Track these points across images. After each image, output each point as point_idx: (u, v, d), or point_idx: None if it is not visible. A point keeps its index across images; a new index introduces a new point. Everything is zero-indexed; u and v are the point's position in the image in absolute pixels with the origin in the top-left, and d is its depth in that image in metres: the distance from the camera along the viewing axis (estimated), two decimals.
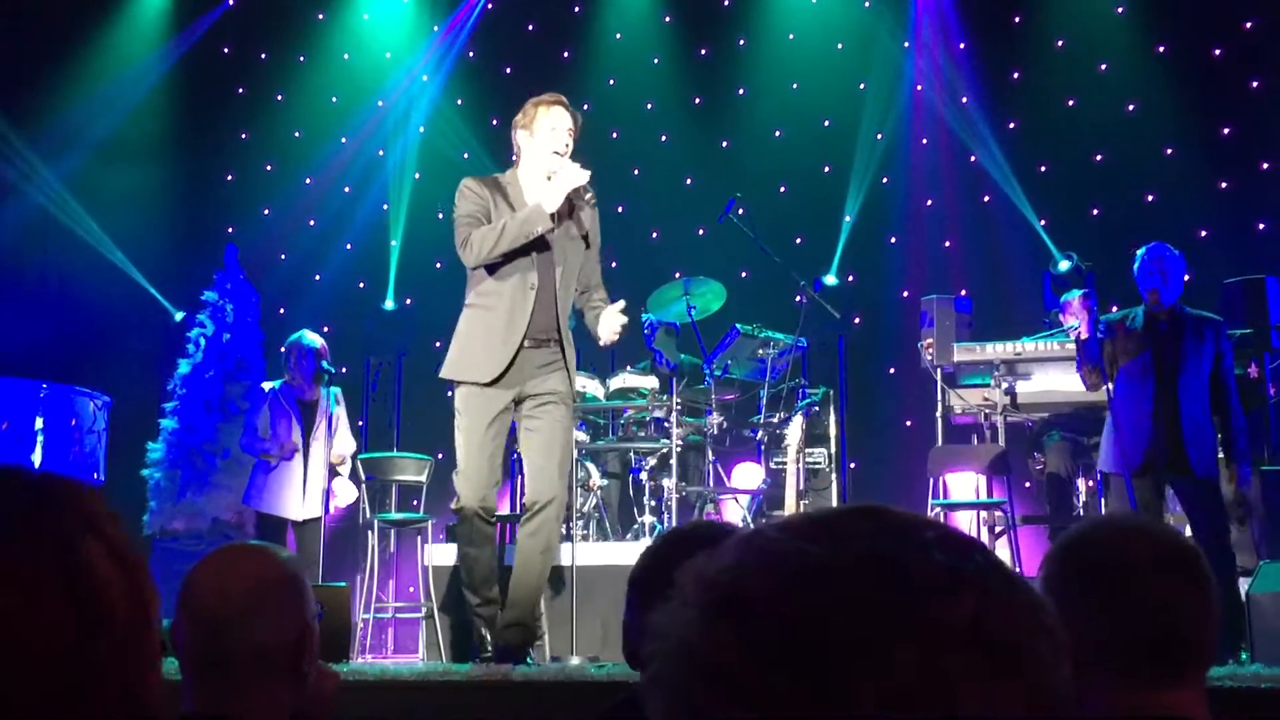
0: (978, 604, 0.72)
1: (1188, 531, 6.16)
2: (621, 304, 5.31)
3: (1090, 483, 8.00)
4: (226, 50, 11.56)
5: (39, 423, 6.37)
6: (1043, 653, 0.73)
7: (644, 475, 7.80)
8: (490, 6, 11.47)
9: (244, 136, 11.55)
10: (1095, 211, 10.09)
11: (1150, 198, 9.93)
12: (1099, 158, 10.19)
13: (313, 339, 7.77)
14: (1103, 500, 7.87)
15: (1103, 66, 10.28)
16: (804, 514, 0.80)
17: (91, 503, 1.05)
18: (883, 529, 0.76)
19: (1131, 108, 10.15)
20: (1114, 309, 6.52)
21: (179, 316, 10.97)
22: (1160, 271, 6.05)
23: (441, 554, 7.36)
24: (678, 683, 0.73)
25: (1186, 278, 6.20)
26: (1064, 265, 8.88)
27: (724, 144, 11.02)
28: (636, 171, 11.16)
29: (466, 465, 5.22)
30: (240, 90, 11.60)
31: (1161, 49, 10.13)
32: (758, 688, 0.69)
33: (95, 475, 6.76)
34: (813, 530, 0.76)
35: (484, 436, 5.16)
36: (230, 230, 11.14)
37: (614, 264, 10.73)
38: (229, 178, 11.58)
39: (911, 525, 0.76)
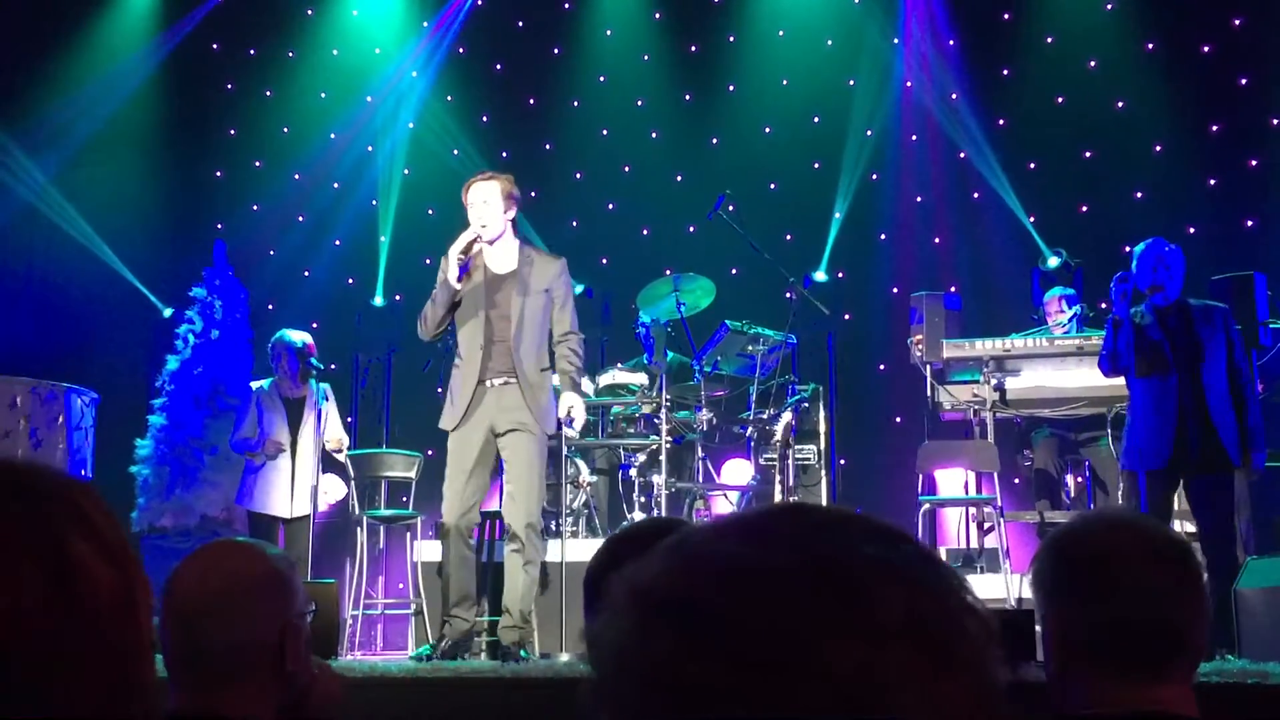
0: (910, 596, 0.71)
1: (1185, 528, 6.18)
2: (569, 404, 6.03)
3: (1079, 479, 8.02)
4: (215, 46, 11.53)
5: (25, 421, 6.35)
6: (978, 643, 0.73)
7: (633, 472, 7.80)
8: (480, 3, 11.46)
9: (232, 133, 11.52)
10: (1084, 208, 10.12)
11: (1139, 195, 9.95)
12: (1088, 155, 10.21)
13: (295, 336, 7.75)
14: (1091, 496, 7.90)
15: (1092, 64, 10.31)
16: (730, 515, 0.80)
17: (82, 498, 1.05)
18: (810, 526, 0.76)
19: (1121, 105, 10.18)
20: (1103, 306, 6.52)
21: (167, 313, 10.94)
22: (1164, 266, 6.05)
23: (431, 550, 7.35)
24: (617, 690, 0.73)
25: None
26: (1053, 262, 8.90)
27: (714, 141, 11.02)
28: (626, 168, 11.17)
29: (448, 488, 5.96)
30: (229, 86, 11.57)
31: (1151, 46, 10.16)
32: (695, 692, 0.69)
33: (83, 472, 6.74)
34: (741, 532, 0.76)
35: (462, 466, 5.92)
36: (219, 226, 11.12)
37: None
38: (218, 174, 11.56)
39: (838, 521, 0.77)
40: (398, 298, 11.15)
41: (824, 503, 6.90)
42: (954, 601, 0.73)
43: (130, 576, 1.04)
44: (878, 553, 0.73)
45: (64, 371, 7.07)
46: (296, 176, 11.41)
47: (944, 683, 0.70)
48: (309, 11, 11.54)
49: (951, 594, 0.74)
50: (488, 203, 5.97)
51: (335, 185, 11.35)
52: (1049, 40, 10.43)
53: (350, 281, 11.32)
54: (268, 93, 11.51)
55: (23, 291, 10.65)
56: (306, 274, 11.20)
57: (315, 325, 9.97)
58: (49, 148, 10.49)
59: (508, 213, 6.03)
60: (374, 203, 11.35)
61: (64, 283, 10.79)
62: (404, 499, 8.49)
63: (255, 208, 11.43)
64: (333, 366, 9.19)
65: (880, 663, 0.69)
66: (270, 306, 10.91)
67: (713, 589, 0.71)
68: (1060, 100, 10.31)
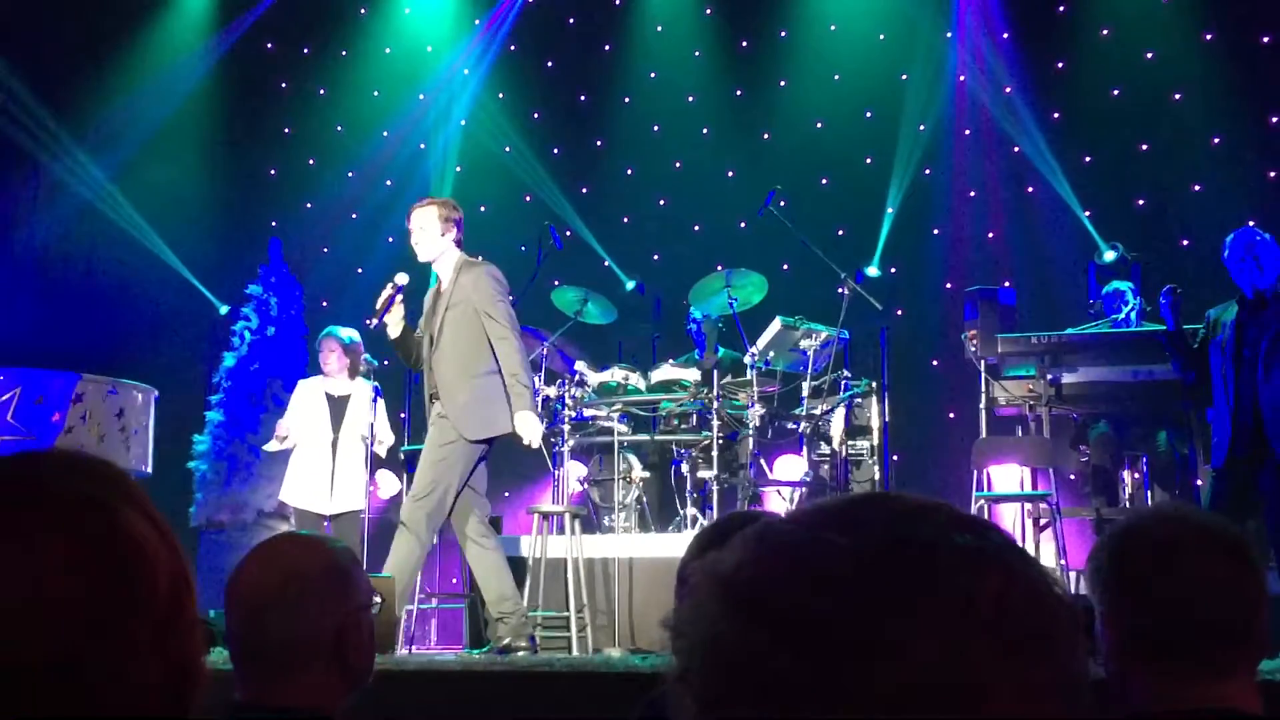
0: (1001, 584, 0.70)
1: None
2: (519, 425, 6.07)
3: (1136, 475, 7.93)
4: (270, 46, 11.63)
5: (87, 416, 6.44)
6: (1068, 634, 0.72)
7: (685, 467, 7.80)
8: (531, 0, 11.49)
9: (287, 131, 11.62)
10: (1140, 202, 10.00)
11: (1197, 188, 9.82)
12: (1145, 147, 10.08)
13: (344, 333, 7.80)
14: (1149, 492, 7.82)
15: (1148, 55, 10.18)
16: (812, 505, 0.78)
17: (130, 480, 1.06)
18: (896, 514, 0.74)
19: (1178, 97, 10.04)
20: (1163, 303, 6.44)
21: (224, 310, 11.06)
22: (1254, 257, 5.96)
23: None
24: (705, 680, 0.72)
25: None
26: (1109, 256, 8.80)
27: (765, 136, 10.99)
28: (678, 165, 11.16)
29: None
30: (283, 85, 11.67)
31: (1209, 37, 10.02)
32: (786, 680, 0.68)
33: (143, 467, 6.83)
34: (824, 520, 0.75)
35: None
36: (274, 224, 11.22)
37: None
38: (272, 172, 11.66)
39: (924, 509, 0.75)
40: None
41: None
42: (1044, 591, 0.72)
43: (180, 556, 1.05)
44: (966, 541, 0.72)
45: (125, 368, 7.17)
46: (350, 174, 11.50)
47: (1035, 672, 0.69)
48: (362, 10, 11.62)
49: (1041, 584, 0.73)
50: (423, 229, 6.22)
51: (388, 183, 11.42)
52: (1104, 32, 10.31)
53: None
54: (321, 91, 11.60)
55: (84, 289, 10.80)
56: (360, 271, 11.28)
57: (369, 322, 10.04)
58: (109, 148, 10.63)
59: (445, 235, 6.22)
60: None
61: (124, 281, 10.93)
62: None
63: (309, 205, 11.53)
64: (385, 363, 9.25)
65: (972, 651, 0.68)
66: (324, 304, 11.00)
67: (798, 576, 0.71)
68: (1116, 93, 10.19)
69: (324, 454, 7.53)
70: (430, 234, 6.20)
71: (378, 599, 2.19)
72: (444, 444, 5.98)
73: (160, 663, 1.00)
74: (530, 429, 6.06)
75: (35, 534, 0.97)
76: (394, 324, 6.19)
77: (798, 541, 0.73)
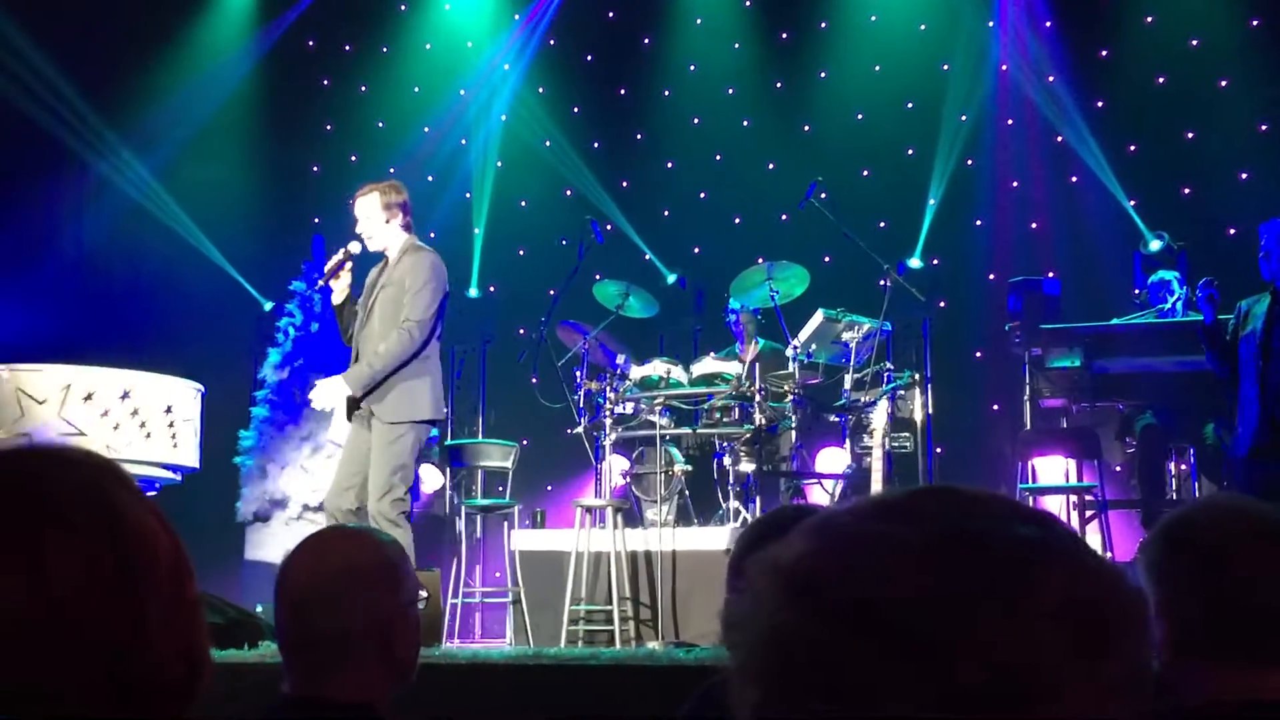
0: (1068, 575, 0.70)
1: None
2: (316, 401, 6.10)
3: (1183, 466, 7.86)
4: (311, 43, 11.70)
5: (135, 412, 6.51)
6: (1134, 626, 0.71)
7: (727, 460, 7.79)
8: None
9: (329, 127, 11.69)
10: (1186, 191, 9.89)
11: (1244, 175, 9.70)
12: (1190, 136, 9.98)
13: None
14: (1196, 483, 7.74)
15: (1194, 42, 10.06)
16: (869, 497, 0.77)
17: (117, 466, 1.08)
18: (958, 506, 0.73)
19: (1224, 84, 9.93)
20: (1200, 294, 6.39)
21: (268, 306, 11.14)
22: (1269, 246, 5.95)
23: (528, 539, 7.43)
24: (770, 672, 0.71)
25: None
26: (1155, 245, 8.72)
27: (806, 128, 10.95)
28: (718, 157, 11.14)
29: None
30: (325, 82, 11.74)
31: (1255, 23, 9.89)
32: (855, 672, 0.67)
33: (191, 463, 6.89)
34: (886, 512, 0.74)
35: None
36: (316, 221, 11.28)
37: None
38: (315, 169, 11.73)
39: (986, 501, 0.74)
40: (492, 289, 11.24)
41: None
42: (1110, 583, 0.71)
43: (177, 538, 1.07)
44: (1032, 533, 0.71)
45: (171, 364, 7.23)
46: (391, 170, 11.50)
47: (1102, 664, 0.68)
48: (402, 7, 11.67)
49: (1106, 575, 0.72)
50: (368, 217, 6.15)
51: (429, 178, 11.46)
52: (1148, 19, 10.20)
53: None
54: (363, 88, 11.66)
55: (131, 287, 10.91)
56: None
57: (318, 284, 10.07)
58: (153, 146, 10.72)
59: (389, 222, 6.15)
60: (467, 195, 11.45)
61: (169, 277, 11.03)
62: (500, 488, 8.57)
63: (351, 202, 11.57)
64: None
65: (1040, 642, 0.67)
66: None
67: (863, 567, 0.70)
68: (1161, 80, 10.08)
69: None
70: (374, 221, 6.13)
71: (424, 593, 2.20)
72: (384, 444, 5.91)
73: (171, 637, 1.02)
74: (326, 394, 5.98)
75: (44, 527, 0.98)
76: (338, 290, 6.16)
77: (860, 533, 0.72)
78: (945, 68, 10.54)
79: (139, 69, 10.77)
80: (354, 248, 6.17)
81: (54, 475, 1.02)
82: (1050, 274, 8.99)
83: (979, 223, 10.46)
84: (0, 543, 0.96)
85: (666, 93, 11.38)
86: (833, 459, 8.17)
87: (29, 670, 0.95)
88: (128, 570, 1.00)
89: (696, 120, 11.23)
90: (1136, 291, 8.33)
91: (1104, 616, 0.70)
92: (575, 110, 11.50)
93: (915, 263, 10.11)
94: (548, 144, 11.17)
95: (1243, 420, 6.01)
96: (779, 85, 11.10)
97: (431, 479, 8.16)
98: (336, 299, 6.21)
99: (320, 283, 6.24)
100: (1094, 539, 7.37)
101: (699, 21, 11.36)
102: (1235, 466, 6.04)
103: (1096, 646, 0.69)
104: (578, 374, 7.66)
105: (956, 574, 0.68)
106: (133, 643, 0.99)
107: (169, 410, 6.63)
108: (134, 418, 6.42)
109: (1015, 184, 10.46)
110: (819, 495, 7.97)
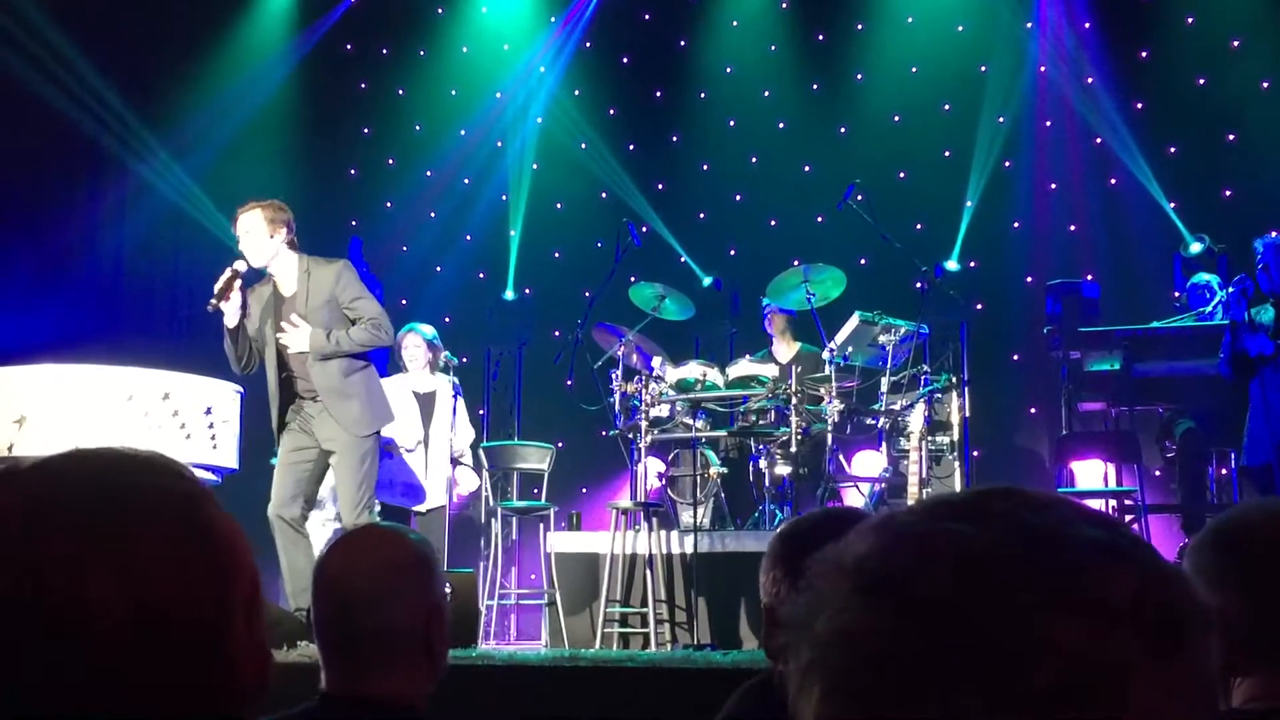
0: (1137, 577, 0.69)
1: None
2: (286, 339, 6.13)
3: (1224, 470, 7.78)
4: (349, 47, 11.76)
5: (176, 414, 6.55)
6: (1203, 630, 0.70)
7: (763, 463, 7.78)
8: None
9: (366, 131, 11.75)
10: (1228, 193, 9.80)
11: None
12: (1231, 137, 9.89)
13: (425, 329, 7.87)
14: (1238, 488, 7.67)
15: (1235, 43, 9.97)
16: (932, 498, 0.76)
17: (193, 473, 1.09)
18: (1024, 507, 0.72)
19: (1266, 85, 9.83)
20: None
21: None
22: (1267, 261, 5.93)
23: (564, 541, 7.44)
24: (839, 672, 0.69)
25: None
26: (1195, 248, 8.66)
27: (842, 130, 10.92)
28: (754, 159, 11.12)
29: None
30: (362, 86, 11.80)
31: None
32: (925, 671, 0.67)
33: (231, 464, 6.94)
34: (952, 511, 0.73)
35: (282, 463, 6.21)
36: (354, 224, 11.34)
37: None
38: (352, 172, 11.80)
39: (1051, 503, 0.73)
40: (528, 292, 11.27)
41: None
42: (1180, 586, 0.71)
43: (249, 544, 1.08)
44: (1099, 535, 0.70)
45: (211, 366, 7.27)
46: (428, 173, 11.60)
47: (1171, 667, 0.68)
48: (439, 10, 11.71)
49: (1177, 580, 0.71)
50: (250, 233, 6.13)
51: (466, 181, 11.50)
52: (1189, 20, 10.12)
53: (481, 276, 11.47)
54: (400, 91, 11.71)
55: (170, 289, 10.99)
56: (439, 270, 11.38)
57: (447, 320, 10.14)
58: (193, 150, 10.79)
59: (274, 238, 6.14)
60: (504, 198, 11.48)
61: (209, 280, 11.06)
62: (535, 491, 8.59)
63: (388, 205, 11.65)
64: (464, 360, 9.34)
65: (1110, 644, 0.66)
66: (404, 302, 11.10)
67: (932, 565, 0.69)
68: (1201, 81, 9.99)
69: (417, 451, 7.62)
70: (257, 237, 6.11)
71: (448, 590, 2.22)
72: (358, 458, 6.01)
73: (248, 637, 1.04)
74: (298, 337, 6.05)
75: (134, 527, 0.99)
76: (230, 312, 6.10)
77: (924, 532, 0.71)
78: (983, 69, 10.49)
79: (178, 73, 10.85)
80: (240, 265, 6.14)
81: (145, 479, 1.03)
82: (1089, 277, 8.93)
83: (1017, 225, 10.40)
84: (91, 541, 0.97)
85: (702, 95, 11.37)
86: (869, 462, 8.15)
87: (115, 669, 0.96)
88: (217, 574, 1.02)
89: (732, 122, 11.22)
90: (1176, 295, 8.26)
91: (1176, 618, 0.69)
92: (611, 112, 11.52)
93: (953, 265, 10.06)
94: (584, 146, 11.19)
95: (1254, 429, 5.97)
96: (815, 87, 11.08)
97: (467, 481, 8.18)
98: (231, 321, 6.12)
99: (211, 304, 6.09)
100: None
101: (735, 24, 11.35)
102: (1247, 474, 6.00)
103: (1168, 648, 0.68)
104: (613, 376, 7.67)
105: (1030, 573, 0.68)
106: (218, 645, 1.01)
107: (209, 412, 6.68)
108: (174, 418, 6.47)
109: (1053, 186, 10.40)
110: (855, 499, 7.95)
